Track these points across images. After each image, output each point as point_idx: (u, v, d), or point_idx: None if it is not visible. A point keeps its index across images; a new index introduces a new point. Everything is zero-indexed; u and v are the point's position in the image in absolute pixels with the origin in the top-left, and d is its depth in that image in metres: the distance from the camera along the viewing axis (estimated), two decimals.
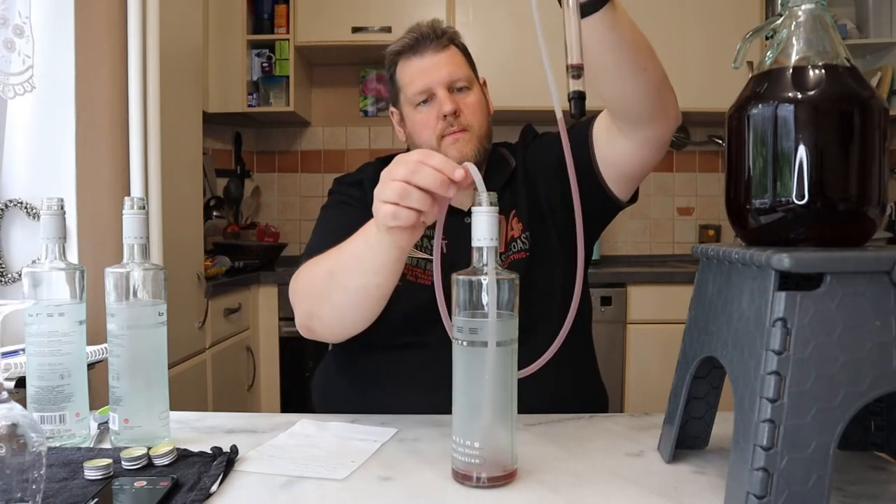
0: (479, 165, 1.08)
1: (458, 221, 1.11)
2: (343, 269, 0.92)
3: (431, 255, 1.10)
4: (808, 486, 0.54)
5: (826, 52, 0.61)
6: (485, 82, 1.21)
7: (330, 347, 1.23)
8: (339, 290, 0.93)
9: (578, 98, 0.66)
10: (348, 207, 1.17)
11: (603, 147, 1.08)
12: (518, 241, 1.12)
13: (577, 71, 0.66)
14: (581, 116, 0.66)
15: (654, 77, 0.92)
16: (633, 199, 1.16)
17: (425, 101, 1.11)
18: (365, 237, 0.88)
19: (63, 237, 0.81)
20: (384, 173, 0.78)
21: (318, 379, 1.23)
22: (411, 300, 1.03)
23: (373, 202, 0.81)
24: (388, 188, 0.77)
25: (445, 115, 1.09)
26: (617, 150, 1.06)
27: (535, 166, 1.18)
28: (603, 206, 1.13)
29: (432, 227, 1.07)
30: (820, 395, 0.54)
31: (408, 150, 1.12)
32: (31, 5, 1.24)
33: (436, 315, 0.75)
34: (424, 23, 1.13)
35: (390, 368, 1.09)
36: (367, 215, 0.93)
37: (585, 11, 0.78)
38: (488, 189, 0.70)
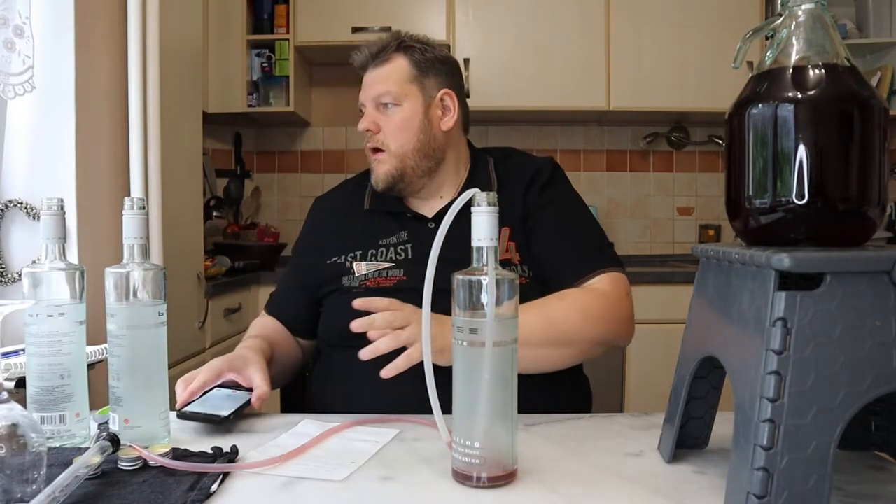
0: (396, 182, 1.14)
1: (422, 227, 1.16)
2: None
3: (392, 263, 1.14)
4: (808, 486, 0.54)
5: (826, 52, 0.61)
6: (445, 94, 1.16)
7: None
8: None
9: None
10: (321, 229, 1.23)
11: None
12: (519, 267, 1.13)
13: None
14: None
15: (578, 350, 1.06)
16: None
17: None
18: None
19: (63, 237, 0.81)
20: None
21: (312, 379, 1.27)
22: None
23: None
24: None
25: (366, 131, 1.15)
26: None
27: (531, 212, 1.16)
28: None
29: (395, 236, 1.17)
30: (820, 395, 0.54)
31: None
32: (31, 5, 1.24)
33: None
34: (377, 38, 1.18)
35: (351, 367, 1.07)
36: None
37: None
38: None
